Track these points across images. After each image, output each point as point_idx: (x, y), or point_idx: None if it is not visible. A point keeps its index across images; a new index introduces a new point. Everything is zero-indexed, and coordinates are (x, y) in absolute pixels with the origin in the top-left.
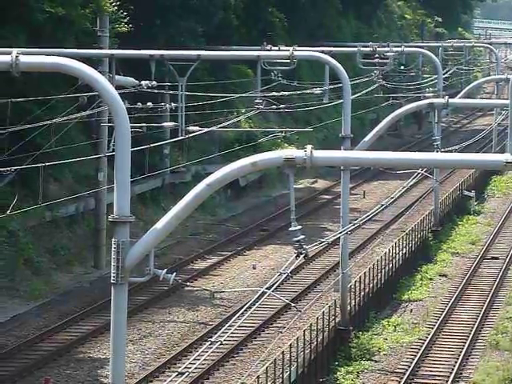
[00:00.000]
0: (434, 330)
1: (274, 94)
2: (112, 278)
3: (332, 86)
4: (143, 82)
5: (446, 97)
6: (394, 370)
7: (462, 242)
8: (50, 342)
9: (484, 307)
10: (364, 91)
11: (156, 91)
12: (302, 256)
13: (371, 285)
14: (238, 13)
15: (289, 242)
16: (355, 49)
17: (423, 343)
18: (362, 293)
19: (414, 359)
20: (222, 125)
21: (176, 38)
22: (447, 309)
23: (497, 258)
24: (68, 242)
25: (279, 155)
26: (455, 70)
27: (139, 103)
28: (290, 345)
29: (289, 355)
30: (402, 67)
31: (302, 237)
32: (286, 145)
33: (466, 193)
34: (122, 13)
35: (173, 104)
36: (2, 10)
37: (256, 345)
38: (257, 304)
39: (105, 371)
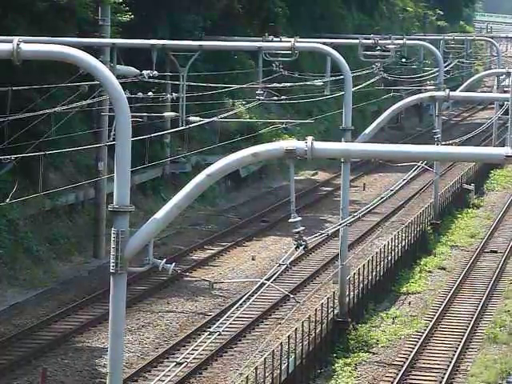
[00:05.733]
0: (433, 322)
1: (276, 85)
2: (111, 267)
3: (333, 78)
4: (144, 72)
5: (447, 90)
6: (392, 362)
7: (461, 235)
8: (49, 331)
9: (482, 300)
10: (365, 83)
11: (157, 81)
12: (301, 247)
13: (370, 277)
14: (241, 2)
15: (288, 233)
16: (357, 41)
17: (421, 336)
18: (361, 285)
19: (411, 352)
20: (222, 115)
21: (179, 28)
22: (445, 302)
23: (495, 252)
24: (67, 231)
25: (280, 146)
26: (456, 63)
27: (140, 93)
28: (289, 336)
29: (287, 346)
30: (404, 60)
31: (302, 228)
32: (287, 136)
33: (465, 186)
34: (122, 4)
35: (174, 94)
36: None
37: (254, 336)
38: (256, 295)
39: (103, 360)
